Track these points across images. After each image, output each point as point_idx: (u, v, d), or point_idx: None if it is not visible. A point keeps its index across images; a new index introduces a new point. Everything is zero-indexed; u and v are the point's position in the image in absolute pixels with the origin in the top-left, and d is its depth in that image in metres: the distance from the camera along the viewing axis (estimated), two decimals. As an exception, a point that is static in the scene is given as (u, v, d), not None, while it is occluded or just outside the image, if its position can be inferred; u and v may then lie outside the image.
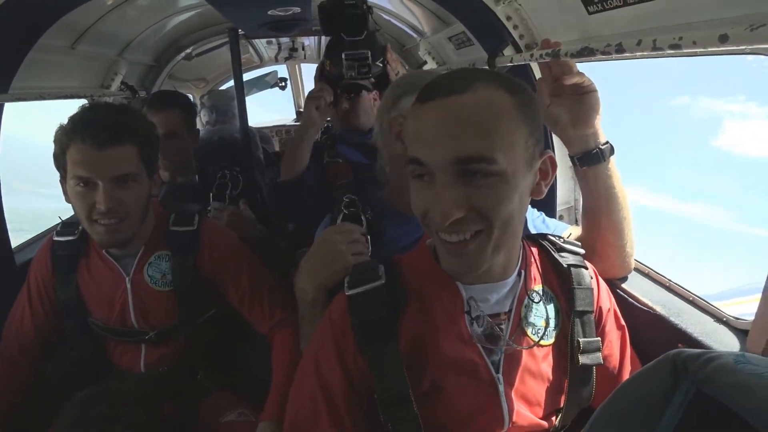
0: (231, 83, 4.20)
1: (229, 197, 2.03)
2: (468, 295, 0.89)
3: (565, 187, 1.69)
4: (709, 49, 0.73)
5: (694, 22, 0.78)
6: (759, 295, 0.89)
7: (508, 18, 1.45)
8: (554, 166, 0.86)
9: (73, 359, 1.47)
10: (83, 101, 2.07)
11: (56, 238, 1.42)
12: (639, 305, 1.13)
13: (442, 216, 0.76)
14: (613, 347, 0.99)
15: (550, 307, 0.95)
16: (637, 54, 0.87)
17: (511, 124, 0.77)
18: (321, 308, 1.10)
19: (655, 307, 1.11)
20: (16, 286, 1.47)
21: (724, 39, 0.68)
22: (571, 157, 1.10)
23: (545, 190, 0.86)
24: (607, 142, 1.06)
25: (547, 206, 1.61)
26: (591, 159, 1.06)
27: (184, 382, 1.48)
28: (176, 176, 2.05)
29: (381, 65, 1.73)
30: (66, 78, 1.95)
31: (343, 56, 1.65)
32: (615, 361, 0.99)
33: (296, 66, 4.56)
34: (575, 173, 1.12)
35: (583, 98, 1.02)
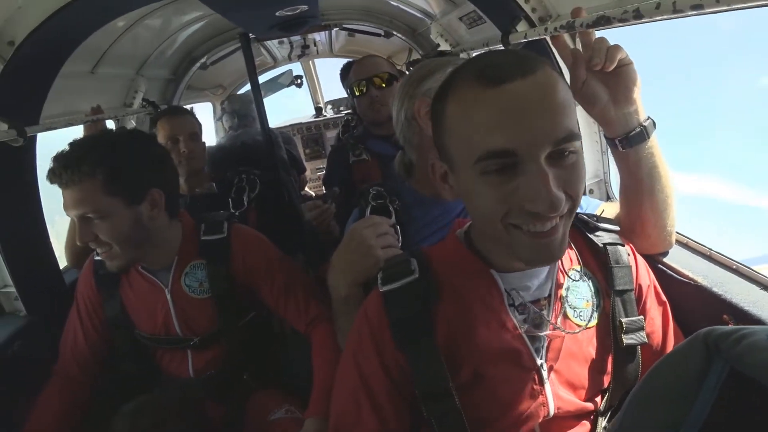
0: (248, 87, 4.26)
1: (248, 200, 2.07)
2: (507, 285, 0.88)
3: (594, 159, 1.63)
4: (734, 6, 0.68)
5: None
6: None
7: (518, -9, 1.39)
8: None
9: (126, 370, 1.53)
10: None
11: (96, 258, 1.48)
12: (680, 278, 1.09)
13: (551, 205, 0.71)
14: (655, 324, 0.96)
15: (591, 286, 0.93)
16: (656, 17, 0.83)
17: (572, 100, 0.76)
18: (355, 304, 1.09)
19: (696, 278, 1.06)
20: (66, 306, 1.54)
21: (751, -7, 0.64)
22: (610, 140, 0.97)
23: None
24: (648, 118, 0.95)
25: (576, 181, 1.55)
26: (634, 139, 0.94)
27: (230, 384, 1.53)
28: (194, 187, 2.09)
29: None
30: (90, 101, 2.01)
31: None
32: (658, 338, 0.96)
33: (310, 62, 4.56)
34: (614, 155, 1.01)
35: (620, 72, 0.88)
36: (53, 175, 1.25)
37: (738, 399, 0.55)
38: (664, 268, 1.12)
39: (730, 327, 0.56)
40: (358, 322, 0.95)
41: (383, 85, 2.02)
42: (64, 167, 1.23)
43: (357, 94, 2.08)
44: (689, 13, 0.74)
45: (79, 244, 1.29)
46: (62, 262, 1.87)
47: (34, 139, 1.61)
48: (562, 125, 0.71)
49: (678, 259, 1.13)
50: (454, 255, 0.94)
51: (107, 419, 1.26)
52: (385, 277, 0.93)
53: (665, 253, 1.15)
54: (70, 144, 1.29)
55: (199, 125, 2.15)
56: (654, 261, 1.11)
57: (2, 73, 1.40)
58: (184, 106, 2.35)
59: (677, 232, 1.18)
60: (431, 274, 0.91)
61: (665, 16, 0.80)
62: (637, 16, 0.86)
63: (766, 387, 0.50)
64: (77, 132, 1.85)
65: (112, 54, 2.07)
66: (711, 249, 1.14)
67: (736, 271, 1.05)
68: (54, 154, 1.26)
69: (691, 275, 1.07)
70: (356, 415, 0.89)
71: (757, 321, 0.91)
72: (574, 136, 0.72)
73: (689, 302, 1.05)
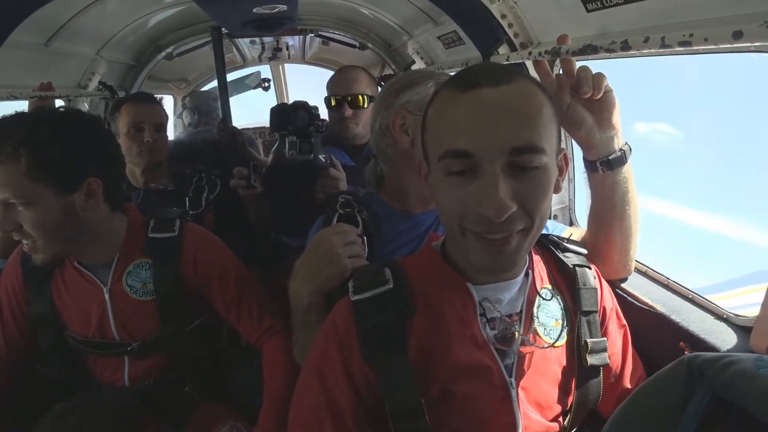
0: (213, 84, 4.14)
1: (206, 201, 1.97)
2: (481, 296, 0.87)
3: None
4: (721, 47, 0.72)
5: (704, 19, 0.77)
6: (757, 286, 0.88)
7: (503, 16, 1.44)
8: (567, 162, 0.86)
9: (51, 376, 1.39)
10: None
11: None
12: (639, 304, 1.13)
13: (498, 210, 0.71)
14: (616, 347, 0.98)
15: (560, 306, 0.94)
16: (644, 51, 0.86)
17: (549, 117, 0.76)
18: (317, 313, 1.05)
19: (655, 305, 1.10)
20: None
21: (738, 35, 0.67)
22: (591, 162, 1.01)
23: (561, 186, 0.85)
24: (626, 143, 0.99)
25: (542, 206, 1.59)
26: (615, 162, 0.98)
27: (170, 395, 1.42)
28: (150, 180, 1.98)
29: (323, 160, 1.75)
30: (40, 77, 1.84)
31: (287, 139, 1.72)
32: (618, 360, 0.98)
33: (280, 66, 4.49)
34: (590, 179, 1.04)
35: (603, 97, 0.92)
36: None
37: (721, 426, 0.55)
38: (624, 295, 1.16)
39: (715, 353, 0.56)
40: (325, 331, 0.90)
41: (358, 105, 2.00)
42: None
43: (332, 105, 2.04)
44: (677, 49, 0.77)
45: (0, 232, 1.17)
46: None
47: (-31, 108, 1.46)
48: (523, 135, 0.72)
49: (637, 286, 1.17)
50: (429, 266, 0.92)
51: (34, 425, 1.13)
52: (357, 285, 0.90)
53: (624, 280, 1.19)
54: (2, 117, 1.16)
55: (166, 116, 2.04)
56: (614, 286, 1.14)
57: None
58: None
59: (637, 261, 1.23)
60: (406, 285, 0.89)
61: (653, 50, 0.83)
62: (625, 47, 0.90)
63: (751, 414, 0.50)
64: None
65: (71, 28, 1.92)
66: (668, 278, 1.20)
67: (692, 300, 1.11)
68: None
69: (650, 302, 1.11)
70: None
71: (712, 348, 0.95)
72: (535, 148, 0.73)
73: (647, 328, 1.08)
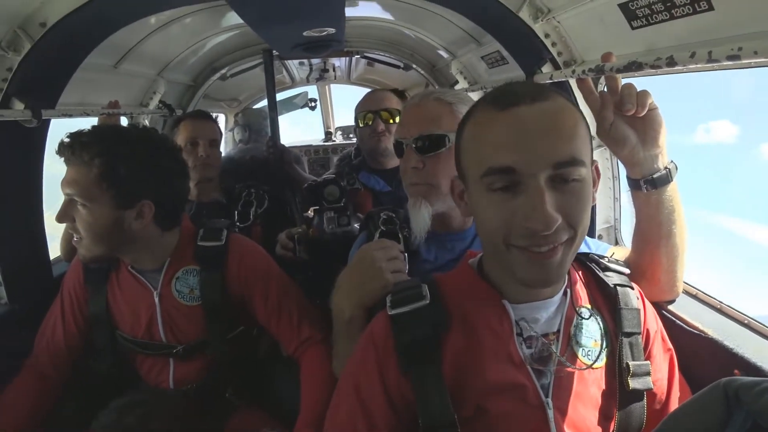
0: (262, 104, 4.33)
1: (254, 215, 2.06)
2: (518, 315, 0.86)
3: (605, 205, 1.65)
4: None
5: (753, 33, 0.75)
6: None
7: (546, 35, 1.46)
8: (599, 174, 0.87)
9: (101, 372, 1.46)
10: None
11: None
12: (689, 328, 1.08)
13: (545, 224, 0.73)
14: (661, 372, 0.94)
15: (600, 326, 0.92)
16: (691, 67, 0.85)
17: (584, 131, 0.79)
18: (358, 327, 1.07)
19: (706, 330, 1.05)
20: (50, 298, 1.49)
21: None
22: (635, 181, 0.99)
23: (596, 197, 0.85)
24: (671, 161, 0.97)
25: (586, 225, 1.56)
26: (659, 181, 0.96)
27: (212, 398, 1.46)
28: (203, 194, 2.08)
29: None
30: (109, 96, 2.02)
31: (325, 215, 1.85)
32: (663, 387, 0.94)
33: (326, 87, 4.66)
34: (634, 198, 1.01)
35: (648, 116, 0.91)
36: (60, 148, 1.26)
37: None
38: (673, 318, 1.11)
39: (752, 378, 0.54)
40: (363, 344, 0.92)
41: (390, 120, 2.06)
42: (69, 146, 1.24)
43: (361, 125, 2.11)
44: (725, 63, 0.75)
45: (56, 220, 1.28)
46: (53, 253, 1.82)
47: (47, 123, 1.60)
48: (564, 150, 0.74)
49: (687, 310, 1.12)
50: (466, 283, 0.93)
51: (85, 418, 1.19)
52: (395, 300, 0.92)
53: (672, 302, 1.14)
54: (93, 126, 1.30)
55: (220, 133, 2.16)
56: (661, 309, 1.10)
57: (28, 53, 1.41)
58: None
59: (686, 283, 1.18)
60: (442, 302, 0.90)
61: (699, 66, 0.82)
62: (671, 63, 0.89)
63: None
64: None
65: (137, 52, 2.10)
66: (721, 302, 1.13)
67: (748, 326, 1.04)
68: (72, 131, 1.27)
69: (700, 326, 1.06)
70: None
71: None
72: (576, 162, 0.74)
73: (698, 354, 1.03)
